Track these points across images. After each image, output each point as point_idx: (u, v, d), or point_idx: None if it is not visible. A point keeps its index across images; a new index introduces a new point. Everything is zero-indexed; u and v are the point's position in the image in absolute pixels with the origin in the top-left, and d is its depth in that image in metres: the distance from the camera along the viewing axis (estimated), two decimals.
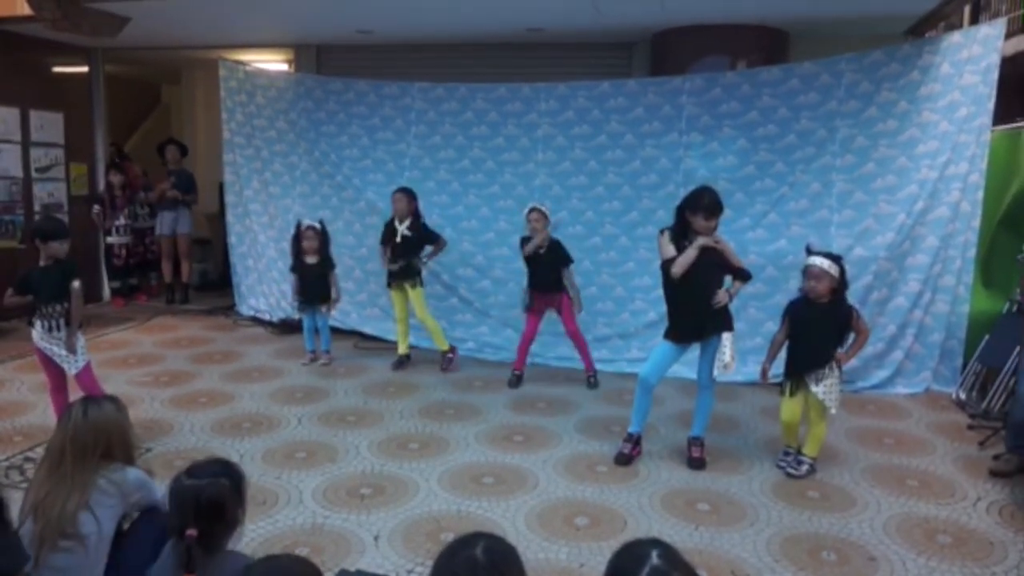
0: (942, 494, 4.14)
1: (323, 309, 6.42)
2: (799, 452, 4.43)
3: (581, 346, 5.90)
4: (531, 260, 5.75)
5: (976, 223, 5.68)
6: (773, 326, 5.46)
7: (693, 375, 4.72)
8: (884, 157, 5.89)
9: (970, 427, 5.07)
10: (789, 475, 4.34)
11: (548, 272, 5.73)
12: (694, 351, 4.50)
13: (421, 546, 3.54)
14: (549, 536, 3.65)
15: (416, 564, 3.39)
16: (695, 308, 4.31)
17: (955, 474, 4.39)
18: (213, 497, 2.21)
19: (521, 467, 4.43)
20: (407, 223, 6.12)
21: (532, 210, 5.70)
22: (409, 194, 6.15)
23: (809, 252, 4.28)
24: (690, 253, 4.21)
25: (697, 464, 4.45)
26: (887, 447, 4.79)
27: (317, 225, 6.35)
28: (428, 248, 6.26)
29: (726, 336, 4.33)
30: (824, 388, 4.23)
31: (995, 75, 5.53)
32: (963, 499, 4.08)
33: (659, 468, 4.44)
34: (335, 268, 6.49)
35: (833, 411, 4.30)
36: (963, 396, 5.57)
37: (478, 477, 4.29)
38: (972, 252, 5.73)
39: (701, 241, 4.23)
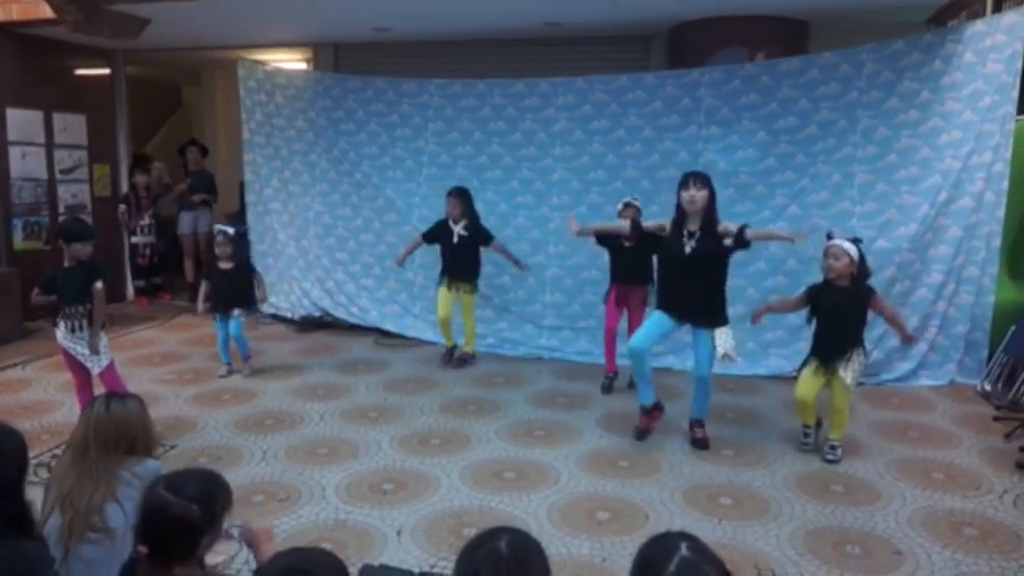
0: (968, 487, 4.10)
1: (235, 313, 6.07)
2: (829, 438, 4.47)
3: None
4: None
5: (1001, 213, 5.61)
6: (795, 318, 5.44)
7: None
8: (906, 148, 5.82)
9: (996, 419, 5.01)
10: (828, 461, 4.38)
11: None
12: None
13: (443, 541, 3.56)
14: (571, 531, 3.66)
15: (439, 559, 3.41)
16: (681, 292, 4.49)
17: (981, 466, 4.35)
18: (177, 519, 2.02)
19: (542, 462, 4.43)
20: (462, 224, 6.09)
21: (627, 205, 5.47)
22: (463, 196, 6.09)
23: (830, 237, 4.41)
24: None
25: (700, 444, 4.59)
26: (912, 440, 4.75)
27: (229, 231, 6.19)
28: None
29: (718, 331, 4.45)
30: (851, 373, 4.33)
31: (1019, 63, 5.45)
32: (989, 492, 4.04)
33: (681, 462, 4.43)
34: (256, 272, 6.39)
35: (852, 392, 4.43)
36: (989, 388, 5.51)
37: (499, 472, 4.30)
38: (997, 242, 5.67)
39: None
